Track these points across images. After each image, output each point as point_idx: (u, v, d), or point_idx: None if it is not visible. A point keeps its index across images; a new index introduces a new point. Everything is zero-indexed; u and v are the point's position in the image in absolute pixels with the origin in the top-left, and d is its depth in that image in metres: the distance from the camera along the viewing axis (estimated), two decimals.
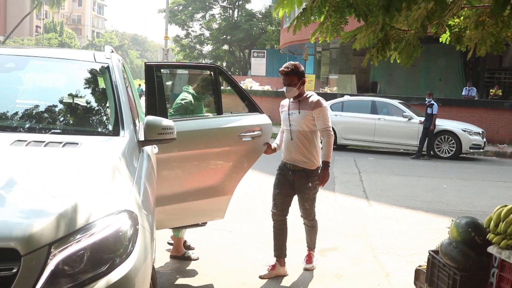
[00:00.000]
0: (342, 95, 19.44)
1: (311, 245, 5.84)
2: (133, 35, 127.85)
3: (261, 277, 5.42)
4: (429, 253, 3.82)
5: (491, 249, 3.45)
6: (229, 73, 6.01)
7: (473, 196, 10.52)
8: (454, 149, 16.48)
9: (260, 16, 50.59)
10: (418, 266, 4.16)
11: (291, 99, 5.51)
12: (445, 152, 16.55)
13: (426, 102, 16.22)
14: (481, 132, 16.91)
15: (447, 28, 4.29)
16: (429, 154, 16.29)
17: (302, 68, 5.44)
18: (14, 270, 2.32)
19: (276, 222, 5.59)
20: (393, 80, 27.56)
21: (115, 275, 2.56)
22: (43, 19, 76.86)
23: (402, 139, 16.63)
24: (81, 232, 2.55)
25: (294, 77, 5.32)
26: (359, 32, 4.28)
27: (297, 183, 5.49)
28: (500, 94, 23.10)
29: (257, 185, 9.91)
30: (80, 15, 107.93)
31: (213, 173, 5.40)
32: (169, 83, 7.43)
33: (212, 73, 5.57)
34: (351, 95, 20.04)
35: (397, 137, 16.74)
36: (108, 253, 2.59)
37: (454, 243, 3.57)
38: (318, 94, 18.75)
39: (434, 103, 16.02)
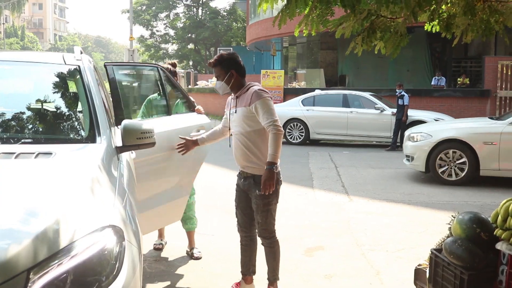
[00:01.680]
0: (312, 90, 19.29)
1: (270, 276, 4.82)
2: (96, 37, 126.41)
3: None
4: (431, 251, 3.64)
5: (500, 246, 3.28)
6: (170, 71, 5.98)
7: (453, 186, 10.44)
8: None
9: (225, 13, 50.51)
10: (418, 265, 3.98)
11: (232, 96, 4.74)
12: None
13: (397, 93, 16.17)
14: None
15: (436, 16, 4.11)
16: (401, 146, 16.24)
17: (235, 57, 4.60)
18: None
19: (242, 239, 4.95)
20: (361, 72, 27.62)
21: None
22: (3, 23, 75.44)
23: (375, 131, 16.56)
24: (63, 253, 2.29)
25: (221, 69, 4.55)
26: (344, 21, 4.07)
27: (250, 193, 4.71)
28: (468, 82, 23.30)
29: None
30: (41, 18, 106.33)
31: (171, 176, 5.22)
32: (135, 84, 7.48)
33: (155, 73, 5.52)
34: (321, 89, 19.93)
35: (370, 129, 16.66)
36: (93, 275, 2.34)
37: (459, 241, 3.40)
38: (287, 89, 18.73)
39: (405, 94, 15.98)
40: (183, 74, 34.72)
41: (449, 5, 4.22)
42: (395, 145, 16.01)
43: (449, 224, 3.75)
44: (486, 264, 3.40)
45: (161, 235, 6.30)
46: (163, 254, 6.07)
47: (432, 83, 23.17)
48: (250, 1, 35.01)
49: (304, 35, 4.04)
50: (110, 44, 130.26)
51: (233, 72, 4.51)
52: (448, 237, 3.69)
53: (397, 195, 9.51)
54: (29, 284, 2.15)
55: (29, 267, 2.17)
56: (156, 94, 5.92)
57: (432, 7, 3.91)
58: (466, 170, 10.45)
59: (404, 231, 7.18)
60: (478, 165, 10.31)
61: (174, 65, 6.24)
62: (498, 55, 21.80)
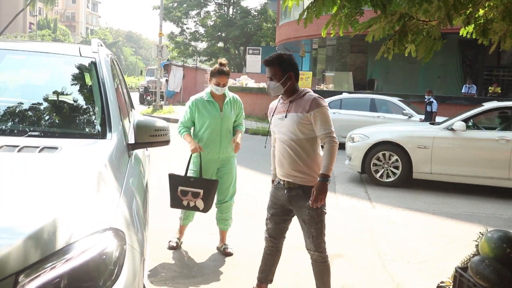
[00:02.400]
0: (340, 93, 19.03)
1: None
2: (127, 32, 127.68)
3: None
4: (456, 270, 3.43)
5: None
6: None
7: (479, 196, 10.14)
8: None
9: (256, 13, 50.54)
10: (440, 283, 3.79)
11: (281, 100, 4.41)
12: None
13: (426, 100, 15.92)
14: None
15: (472, 20, 3.89)
16: None
17: (292, 59, 4.34)
18: None
19: (268, 248, 4.70)
20: (390, 77, 27.34)
21: None
22: (36, 16, 76.55)
23: None
24: (57, 256, 2.15)
25: (278, 69, 4.21)
26: (374, 23, 3.88)
27: (295, 205, 4.37)
28: (499, 91, 22.93)
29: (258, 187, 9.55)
30: (74, 12, 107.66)
31: None
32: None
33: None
34: (349, 92, 19.68)
35: None
36: (89, 280, 2.20)
37: (486, 261, 3.19)
38: (315, 91, 18.45)
39: (434, 100, 15.73)
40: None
41: (486, 9, 4.00)
42: None
43: (476, 241, 3.52)
44: None
45: (181, 232, 6.20)
46: (176, 256, 5.94)
47: (463, 90, 22.92)
48: (281, 2, 34.95)
49: (331, 35, 3.87)
50: (141, 40, 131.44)
51: (291, 74, 4.22)
52: (474, 255, 3.48)
53: (421, 204, 9.27)
54: None
55: (17, 270, 2.03)
56: None
57: (468, 11, 3.70)
58: (399, 172, 10.77)
59: (428, 243, 6.96)
60: (411, 167, 10.63)
61: (222, 64, 5.85)
62: None
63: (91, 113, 3.59)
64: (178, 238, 6.15)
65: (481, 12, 4.03)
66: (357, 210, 8.67)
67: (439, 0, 3.12)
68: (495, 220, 8.24)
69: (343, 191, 10.05)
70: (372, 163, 10.98)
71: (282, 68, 4.20)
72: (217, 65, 5.72)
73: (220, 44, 52.10)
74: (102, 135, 3.34)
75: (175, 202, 5.65)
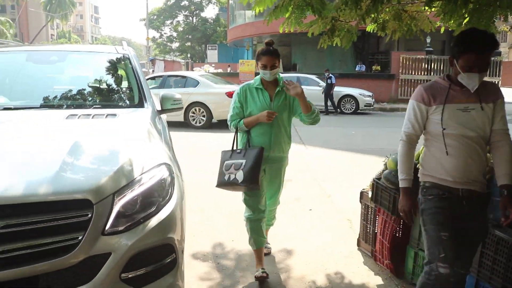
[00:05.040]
0: None
1: None
2: (121, 38, 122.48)
3: None
4: (373, 179, 3.66)
5: (420, 174, 3.32)
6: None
7: (373, 138, 10.59)
8: (354, 107, 16.58)
9: (212, 20, 50.21)
10: (362, 189, 4.02)
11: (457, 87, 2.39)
12: (348, 110, 16.63)
13: (326, 76, 16.26)
14: (371, 95, 17.03)
15: (375, 21, 4.09)
16: (336, 112, 16.38)
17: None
18: (89, 215, 2.04)
19: (448, 276, 2.28)
20: (307, 61, 27.41)
21: (163, 214, 2.30)
22: (56, 29, 73.03)
23: (319, 102, 16.56)
24: (134, 183, 2.26)
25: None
26: (313, 24, 4.02)
27: (471, 220, 2.43)
28: (379, 69, 23.33)
29: None
30: (82, 25, 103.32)
31: None
32: None
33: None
34: (281, 73, 19.70)
35: (315, 100, 16.60)
36: (154, 197, 2.31)
37: (393, 172, 3.43)
38: (257, 73, 18.14)
39: (332, 75, 16.14)
40: (183, 63, 34.25)
41: (383, 14, 4.19)
42: (328, 110, 16.17)
43: (384, 162, 3.77)
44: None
45: (259, 259, 3.53)
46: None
47: (356, 69, 23.24)
48: (229, 13, 34.65)
49: (286, 31, 3.96)
50: (130, 43, 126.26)
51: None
52: (384, 170, 3.71)
53: (337, 145, 9.51)
54: (114, 203, 2.14)
55: (113, 191, 2.15)
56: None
57: (373, 15, 3.89)
58: (205, 120, 12.19)
59: (344, 168, 7.25)
60: (211, 116, 12.13)
61: (268, 43, 3.40)
62: (400, 51, 21.92)
63: (132, 90, 3.60)
64: (262, 269, 3.43)
65: (381, 15, 4.19)
66: (296, 150, 8.81)
67: (358, 9, 3.27)
68: (389, 151, 8.61)
69: None
70: (190, 115, 12.25)
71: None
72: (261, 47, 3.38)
73: (188, 43, 51.38)
74: (141, 105, 3.37)
75: (220, 178, 3.32)
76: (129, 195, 2.20)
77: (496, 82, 20.21)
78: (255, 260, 3.51)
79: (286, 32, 4.17)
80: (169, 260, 2.29)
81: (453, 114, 2.37)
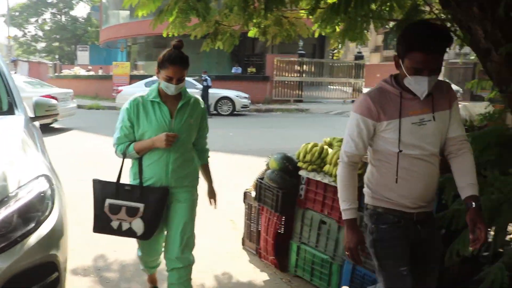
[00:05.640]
0: (150, 76, 18.63)
1: None
2: None
3: None
4: (256, 179, 3.77)
5: (301, 172, 3.50)
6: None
7: (251, 138, 10.91)
8: (231, 109, 16.96)
9: (83, 20, 47.30)
10: (246, 190, 4.10)
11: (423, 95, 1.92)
12: (225, 111, 16.95)
13: (202, 78, 16.44)
14: (247, 96, 17.58)
15: (257, 26, 4.24)
16: (213, 114, 16.47)
17: None
18: None
19: None
20: None
21: (43, 229, 2.14)
22: None
23: None
24: (10, 198, 2.09)
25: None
26: (197, 27, 4.02)
27: (428, 244, 2.11)
28: (254, 71, 24.07)
29: None
30: None
31: None
32: None
33: None
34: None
35: None
36: (34, 212, 2.15)
37: (275, 171, 3.57)
38: (132, 76, 17.57)
39: (208, 78, 16.35)
40: (50, 65, 31.67)
41: (264, 19, 4.35)
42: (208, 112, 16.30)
43: (266, 161, 3.89)
44: (292, 185, 3.57)
45: (152, 282, 3.20)
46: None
47: (232, 71, 23.72)
48: (102, 12, 33.10)
49: (169, 35, 3.90)
50: None
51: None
52: (266, 170, 3.81)
53: (215, 146, 9.29)
54: None
55: None
56: None
57: (256, 21, 4.02)
58: None
59: (224, 169, 7.25)
60: None
61: (177, 46, 2.67)
62: (274, 53, 22.95)
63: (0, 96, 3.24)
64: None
65: (264, 21, 4.35)
66: None
67: (244, 14, 3.36)
68: (268, 152, 8.91)
69: None
70: None
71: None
72: (167, 49, 2.63)
73: (56, 44, 47.54)
74: (11, 112, 3.08)
75: (101, 223, 2.58)
76: (2, 213, 2.04)
77: (360, 84, 22.52)
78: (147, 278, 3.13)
79: (188, 32, 4.11)
80: (51, 279, 2.14)
81: (409, 130, 1.93)
